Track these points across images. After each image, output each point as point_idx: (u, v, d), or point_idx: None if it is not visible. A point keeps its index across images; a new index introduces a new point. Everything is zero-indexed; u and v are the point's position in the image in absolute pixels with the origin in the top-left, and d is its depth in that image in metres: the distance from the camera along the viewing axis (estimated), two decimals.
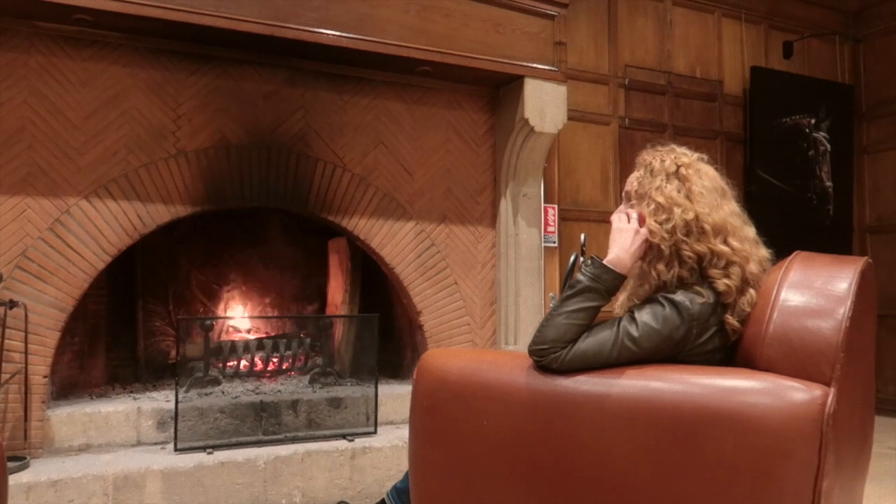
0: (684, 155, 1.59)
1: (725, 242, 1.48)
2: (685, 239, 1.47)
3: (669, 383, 1.30)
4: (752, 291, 1.45)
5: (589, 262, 1.49)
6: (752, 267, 1.47)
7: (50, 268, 2.59)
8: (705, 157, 1.62)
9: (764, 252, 1.53)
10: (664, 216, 1.49)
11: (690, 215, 1.48)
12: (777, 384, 1.23)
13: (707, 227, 1.47)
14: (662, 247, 1.48)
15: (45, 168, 2.62)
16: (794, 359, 1.26)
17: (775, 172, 4.68)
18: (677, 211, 1.48)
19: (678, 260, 1.47)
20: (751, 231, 1.55)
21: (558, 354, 1.40)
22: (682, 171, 1.54)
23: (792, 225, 4.70)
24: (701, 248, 1.46)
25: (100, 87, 2.72)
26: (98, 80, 2.72)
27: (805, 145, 4.84)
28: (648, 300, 1.46)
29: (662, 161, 1.56)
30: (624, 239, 1.49)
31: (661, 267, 1.48)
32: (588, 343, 1.40)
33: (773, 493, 1.18)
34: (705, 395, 1.26)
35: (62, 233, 2.62)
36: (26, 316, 2.52)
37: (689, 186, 1.52)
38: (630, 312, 1.44)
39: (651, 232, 1.49)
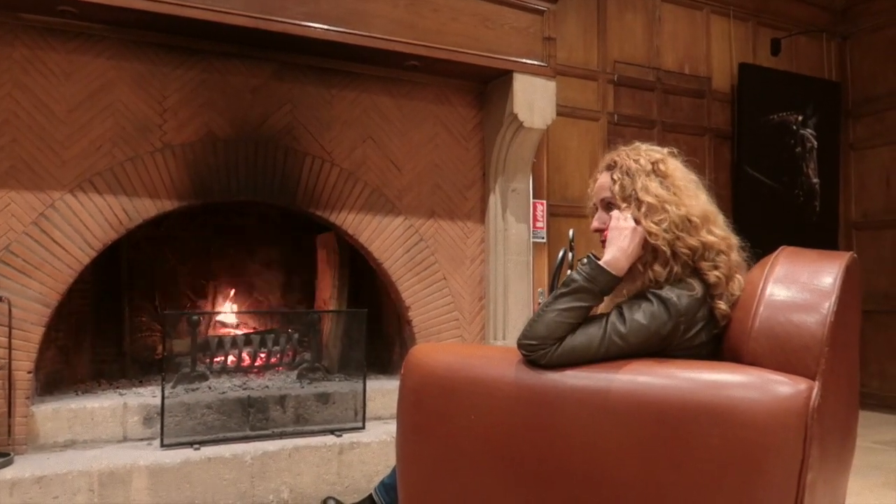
0: (653, 151, 1.58)
1: (710, 232, 1.49)
2: (680, 235, 1.46)
3: (656, 377, 1.31)
4: (738, 277, 1.48)
5: (585, 261, 1.47)
6: (734, 255, 1.50)
7: (34, 262, 2.56)
8: (675, 150, 1.61)
9: (734, 239, 1.54)
10: (659, 216, 1.47)
11: (682, 210, 1.48)
12: (762, 378, 1.23)
13: (696, 219, 1.48)
14: (662, 247, 1.46)
15: (28, 161, 2.59)
16: (779, 353, 1.26)
17: (763, 169, 4.71)
18: (670, 208, 1.47)
19: (673, 257, 1.47)
20: (721, 218, 1.56)
21: (547, 351, 1.41)
22: (660, 166, 1.54)
23: (779, 221, 4.73)
24: (693, 241, 1.47)
25: (84, 80, 2.69)
26: (83, 73, 2.69)
27: (792, 142, 4.87)
28: (637, 296, 1.46)
29: (636, 160, 1.55)
30: (622, 239, 1.46)
31: (657, 268, 1.47)
32: (576, 339, 1.41)
33: (758, 485, 1.19)
34: (692, 388, 1.26)
35: (47, 227, 2.59)
36: (10, 311, 2.50)
37: (673, 181, 1.52)
38: (618, 308, 1.44)
39: (650, 233, 1.46)
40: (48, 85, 2.63)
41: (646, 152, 1.57)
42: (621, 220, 1.49)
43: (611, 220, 1.52)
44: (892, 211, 4.80)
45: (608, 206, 1.58)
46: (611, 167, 1.59)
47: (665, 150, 1.60)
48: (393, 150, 3.28)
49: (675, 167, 1.56)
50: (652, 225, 1.46)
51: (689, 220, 1.47)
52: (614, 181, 1.55)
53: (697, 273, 1.46)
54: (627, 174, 1.54)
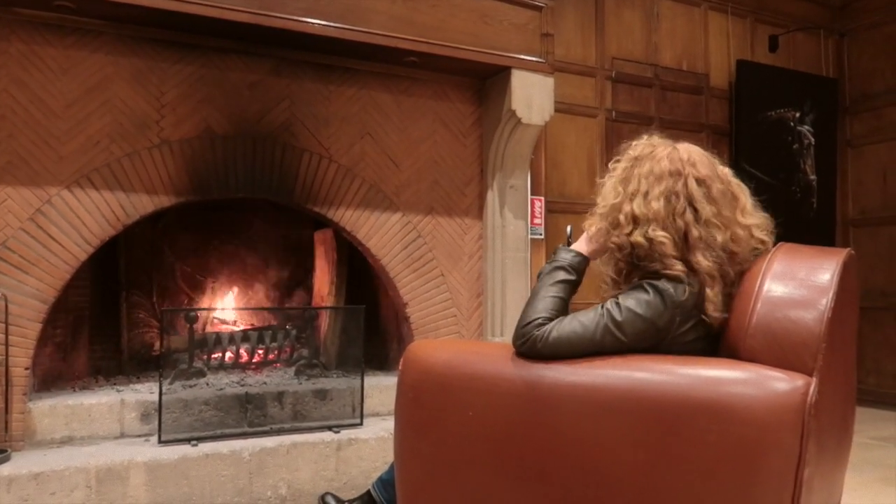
0: (638, 148, 1.57)
1: (644, 235, 1.44)
2: (612, 231, 1.51)
3: (653, 373, 1.31)
4: (709, 291, 1.40)
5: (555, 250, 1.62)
6: (699, 258, 1.41)
7: (31, 258, 2.56)
8: (669, 143, 1.56)
9: (719, 237, 1.43)
10: (594, 210, 1.59)
11: (605, 208, 1.54)
12: (760, 374, 1.24)
13: (622, 218, 1.49)
14: (599, 240, 1.57)
15: (25, 157, 2.58)
16: (776, 349, 1.27)
17: (760, 165, 4.71)
18: (600, 203, 1.56)
19: (616, 251, 1.52)
20: (706, 211, 1.44)
21: (542, 331, 1.42)
22: (624, 163, 1.57)
23: (776, 218, 4.72)
24: (618, 239, 1.49)
25: (82, 76, 2.68)
26: (80, 68, 2.68)
27: (790, 139, 4.87)
28: (633, 287, 1.47)
29: (624, 154, 1.61)
30: (586, 227, 1.62)
31: (607, 258, 1.57)
32: (572, 325, 1.42)
33: (755, 481, 1.19)
34: (689, 385, 1.27)
35: (43, 223, 2.59)
36: (7, 307, 2.49)
37: (623, 175, 1.55)
38: (615, 298, 1.45)
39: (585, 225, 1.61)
40: (45, 80, 2.62)
41: (634, 147, 1.59)
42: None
43: None
44: (889, 208, 4.81)
45: None
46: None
47: (648, 142, 1.57)
48: (391, 146, 3.28)
49: (640, 161, 1.52)
50: (588, 218, 1.60)
51: (617, 218, 1.49)
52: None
53: (648, 272, 1.47)
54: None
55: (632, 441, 1.29)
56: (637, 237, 1.45)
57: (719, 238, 1.44)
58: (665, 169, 1.49)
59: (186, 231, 3.55)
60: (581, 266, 1.56)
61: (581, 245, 1.60)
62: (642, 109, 4.40)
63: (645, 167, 1.51)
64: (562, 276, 1.53)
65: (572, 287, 1.53)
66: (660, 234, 1.43)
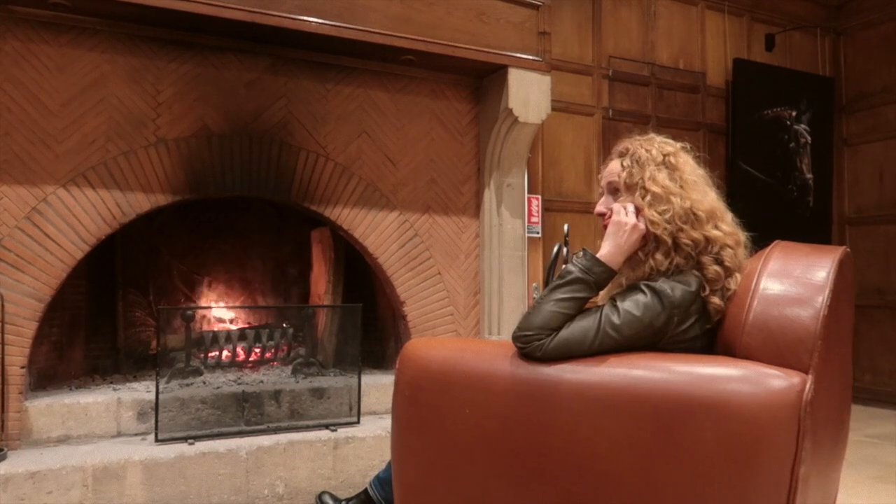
0: (667, 144, 1.59)
1: (717, 227, 1.49)
2: (683, 227, 1.47)
3: (650, 371, 1.31)
4: (737, 275, 1.47)
5: (581, 254, 1.50)
6: (740, 251, 1.50)
7: (27, 257, 2.55)
8: (687, 145, 1.63)
9: (742, 236, 1.55)
10: (663, 206, 1.48)
11: (687, 203, 1.49)
12: (756, 372, 1.24)
13: (701, 213, 1.49)
14: (664, 237, 1.47)
15: (21, 156, 2.57)
16: (772, 346, 1.27)
17: (757, 164, 4.72)
18: (675, 200, 1.49)
19: (675, 248, 1.48)
20: (730, 216, 1.57)
21: (542, 342, 1.41)
22: (671, 159, 1.55)
23: (772, 216, 4.75)
24: (697, 235, 1.47)
25: (78, 74, 2.67)
26: (76, 67, 2.67)
27: (786, 137, 4.88)
28: (630, 288, 1.47)
29: (648, 150, 1.56)
30: (620, 234, 1.48)
31: (659, 257, 1.48)
32: (571, 331, 1.41)
33: (751, 478, 1.20)
34: (685, 382, 1.27)
35: (39, 221, 2.58)
36: (3, 306, 2.48)
37: (681, 175, 1.53)
38: (612, 300, 1.45)
39: (652, 222, 1.48)
40: (41, 79, 2.62)
41: (659, 144, 1.59)
42: (622, 215, 1.50)
43: (612, 212, 1.54)
44: (885, 206, 4.82)
45: (615, 191, 1.59)
46: (622, 154, 1.60)
47: (678, 145, 1.61)
48: (388, 144, 3.28)
49: (686, 162, 1.57)
50: (654, 214, 1.48)
51: (694, 214, 1.48)
52: (623, 168, 1.57)
53: (699, 266, 1.47)
54: (637, 163, 1.55)
55: (628, 438, 1.29)
56: (714, 231, 1.49)
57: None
58: (703, 173, 1.59)
59: (183, 230, 3.54)
60: (607, 283, 1.50)
61: (615, 257, 1.48)
62: (639, 108, 4.41)
63: (689, 167, 1.57)
64: (582, 292, 1.45)
65: (586, 302, 1.47)
66: (728, 229, 1.52)
